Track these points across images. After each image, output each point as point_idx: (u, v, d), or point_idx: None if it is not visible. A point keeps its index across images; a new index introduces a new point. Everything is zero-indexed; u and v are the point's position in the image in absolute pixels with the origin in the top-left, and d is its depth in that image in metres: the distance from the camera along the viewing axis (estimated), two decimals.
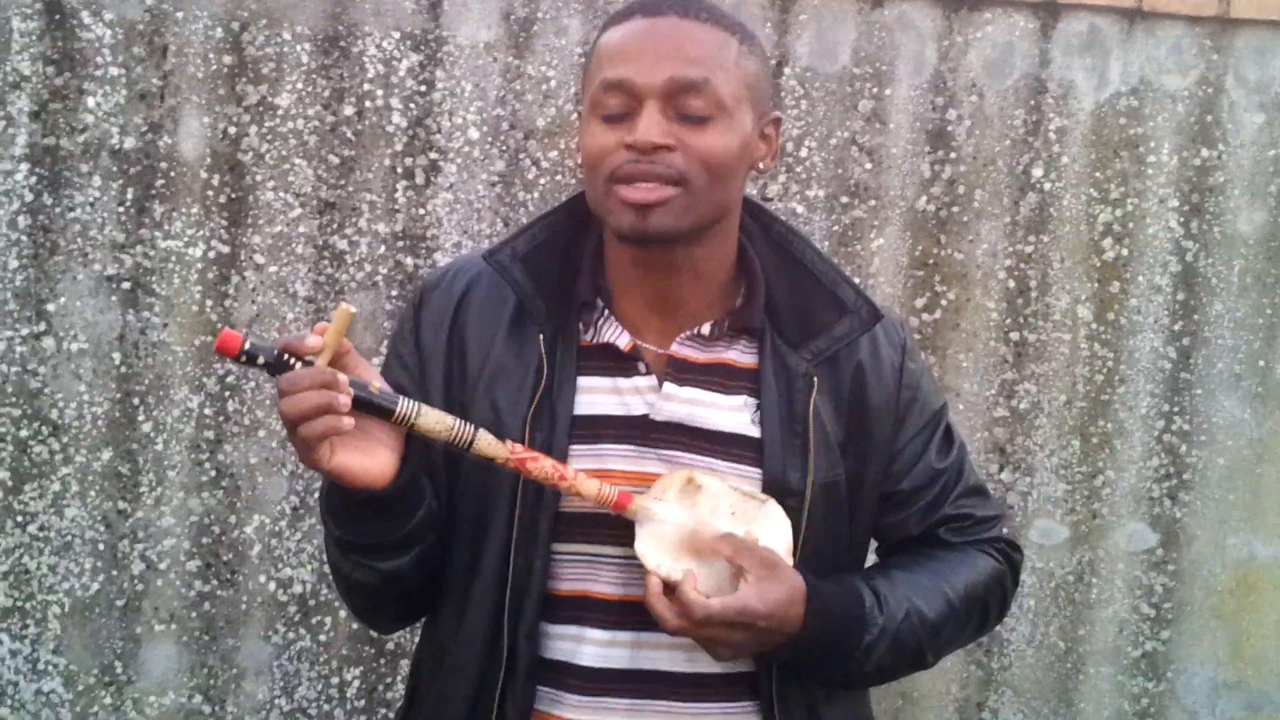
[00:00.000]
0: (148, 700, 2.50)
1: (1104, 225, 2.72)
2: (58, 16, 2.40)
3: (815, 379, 1.47)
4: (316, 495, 2.43)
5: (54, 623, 2.47)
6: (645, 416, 1.44)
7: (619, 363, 1.46)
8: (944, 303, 2.68)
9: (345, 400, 1.29)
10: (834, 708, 1.49)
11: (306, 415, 1.28)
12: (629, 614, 1.42)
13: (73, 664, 2.48)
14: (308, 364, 1.31)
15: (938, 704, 2.74)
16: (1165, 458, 2.77)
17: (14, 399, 2.44)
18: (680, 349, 1.47)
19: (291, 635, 2.54)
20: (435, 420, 1.37)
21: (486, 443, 1.38)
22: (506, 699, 1.42)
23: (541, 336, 1.45)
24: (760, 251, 1.51)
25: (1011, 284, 2.70)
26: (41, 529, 2.46)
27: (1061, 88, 2.69)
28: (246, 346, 1.31)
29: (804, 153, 2.62)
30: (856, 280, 2.61)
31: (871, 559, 1.63)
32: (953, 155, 2.67)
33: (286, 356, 1.32)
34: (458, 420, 1.38)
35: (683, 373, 1.45)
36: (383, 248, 2.52)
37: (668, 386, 1.44)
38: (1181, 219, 2.74)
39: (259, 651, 2.53)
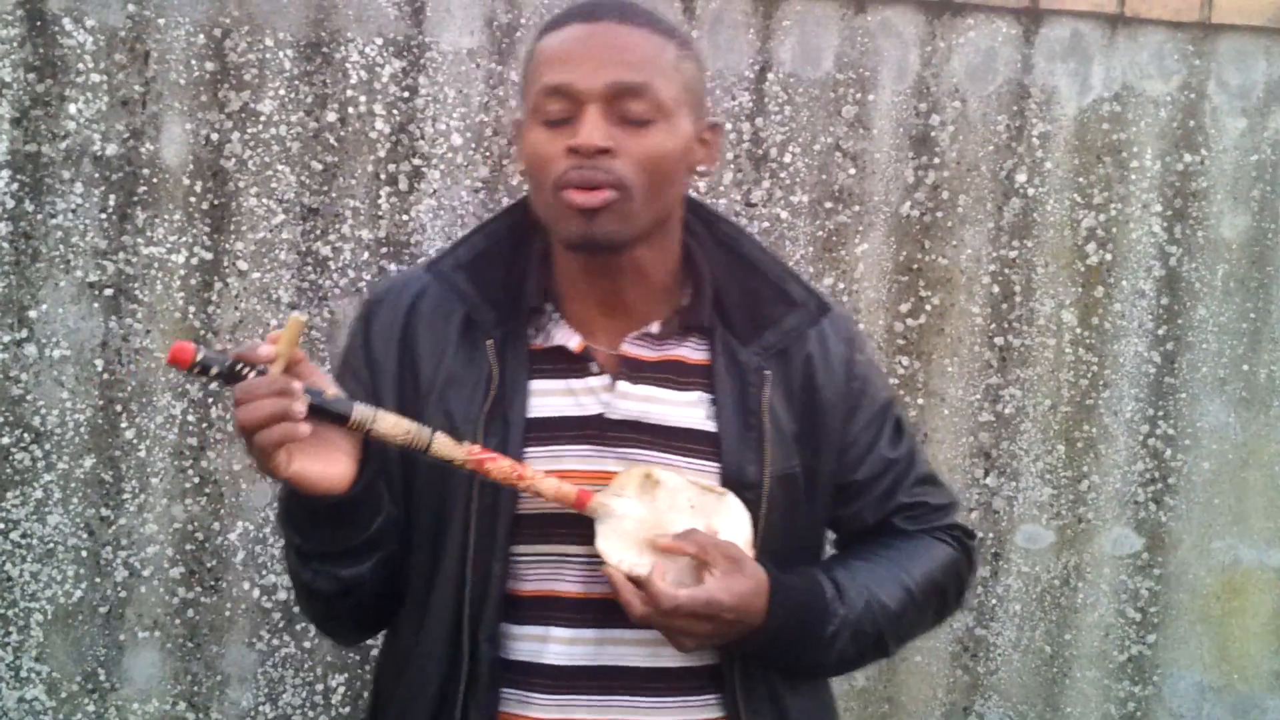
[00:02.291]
0: (131, 708, 2.50)
1: (1087, 230, 2.72)
2: (39, 23, 2.40)
3: (767, 373, 1.48)
4: None
5: (36, 630, 2.47)
6: (600, 415, 1.45)
7: (571, 364, 1.47)
8: (928, 308, 2.68)
9: (300, 407, 1.30)
10: (797, 697, 1.51)
11: (262, 423, 1.28)
12: (593, 611, 1.43)
13: (55, 672, 2.48)
14: (261, 373, 1.31)
15: (924, 709, 2.74)
16: (1150, 462, 2.77)
17: None
18: (631, 348, 1.48)
19: (276, 642, 2.53)
20: (392, 424, 1.37)
21: (444, 445, 1.38)
22: (470, 704, 1.42)
23: (490, 343, 1.46)
24: (706, 250, 1.53)
25: (996, 289, 2.70)
26: (24, 536, 2.45)
27: (1044, 93, 2.70)
28: (199, 358, 1.31)
29: (788, 158, 2.62)
30: (831, 281, 2.62)
31: (829, 551, 1.65)
32: (936, 160, 2.67)
33: (240, 366, 1.32)
34: (414, 424, 1.38)
35: (635, 371, 1.46)
36: (366, 254, 2.51)
37: (621, 385, 1.45)
38: (1165, 224, 2.75)
39: (243, 658, 2.53)
